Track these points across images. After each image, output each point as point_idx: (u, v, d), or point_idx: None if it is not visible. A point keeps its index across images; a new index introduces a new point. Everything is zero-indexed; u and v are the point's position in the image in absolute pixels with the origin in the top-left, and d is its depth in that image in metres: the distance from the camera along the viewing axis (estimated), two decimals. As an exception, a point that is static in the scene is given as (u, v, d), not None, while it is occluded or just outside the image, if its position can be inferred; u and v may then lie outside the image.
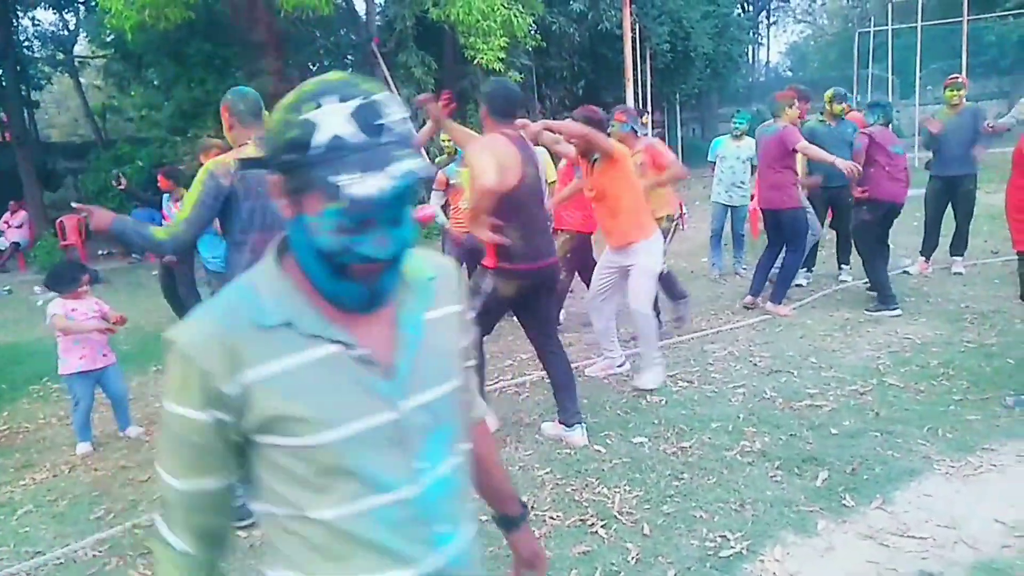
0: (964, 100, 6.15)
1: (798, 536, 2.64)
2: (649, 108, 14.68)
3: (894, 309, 5.37)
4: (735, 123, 6.85)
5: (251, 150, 2.90)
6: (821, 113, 6.40)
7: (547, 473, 3.27)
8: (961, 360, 4.25)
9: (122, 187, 7.39)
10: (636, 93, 13.28)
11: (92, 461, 3.91)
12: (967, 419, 3.47)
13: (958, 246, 6.42)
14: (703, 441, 3.47)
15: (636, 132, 5.02)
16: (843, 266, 6.52)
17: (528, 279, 3.42)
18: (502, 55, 10.87)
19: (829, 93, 6.24)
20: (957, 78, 6.21)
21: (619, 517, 2.85)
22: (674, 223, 5.35)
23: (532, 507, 2.97)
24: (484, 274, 3.46)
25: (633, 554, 2.59)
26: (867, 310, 5.48)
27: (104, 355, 4.10)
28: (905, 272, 6.48)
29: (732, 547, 2.59)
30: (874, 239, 5.59)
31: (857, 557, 2.48)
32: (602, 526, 2.79)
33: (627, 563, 2.55)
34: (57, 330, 3.97)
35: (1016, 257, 3.95)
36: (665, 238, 5.05)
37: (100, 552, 2.94)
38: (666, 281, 5.18)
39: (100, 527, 3.14)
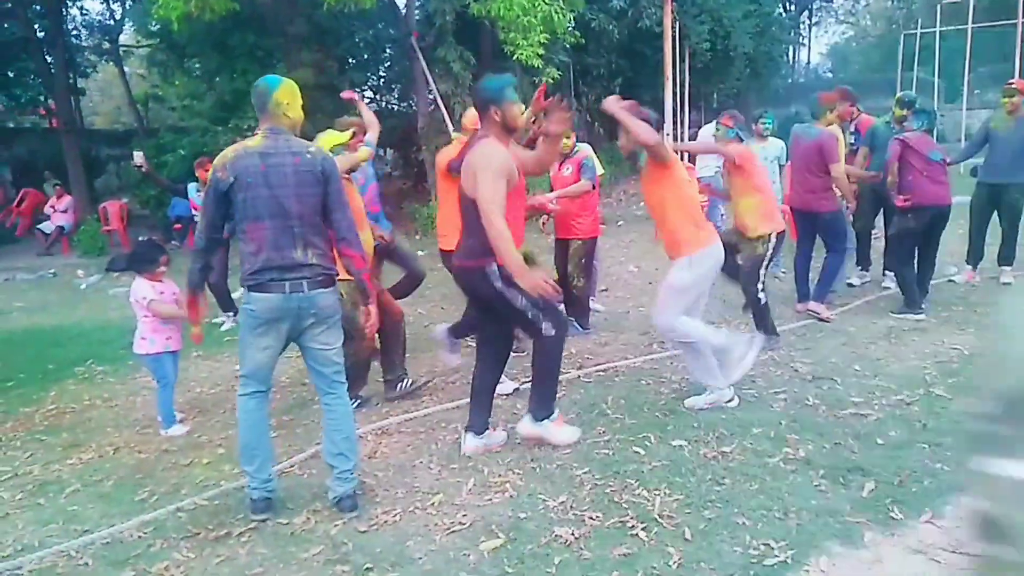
0: (1021, 107, 5.95)
1: (844, 547, 2.59)
2: (687, 107, 14.52)
3: (919, 314, 5.35)
4: (763, 124, 6.77)
5: (255, 142, 2.91)
6: (890, 114, 6.25)
7: (585, 473, 3.26)
8: (1012, 373, 4.13)
9: (143, 169, 7.45)
10: (675, 92, 13.12)
11: (136, 444, 3.98)
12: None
13: (1007, 256, 6.25)
14: (744, 447, 3.42)
15: (741, 139, 4.79)
16: (887, 272, 6.40)
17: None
18: (541, 51, 10.81)
19: (899, 96, 6.27)
20: (1012, 83, 6.04)
21: (660, 520, 2.82)
22: (770, 243, 4.68)
23: (571, 506, 2.95)
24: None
25: (675, 559, 2.56)
26: (891, 312, 5.43)
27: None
28: (951, 280, 6.34)
29: (776, 556, 2.55)
30: (912, 245, 5.51)
31: (907, 571, 2.43)
32: (643, 529, 2.77)
33: (669, 568, 2.52)
34: (151, 312, 4.03)
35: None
36: (762, 262, 4.69)
37: (145, 533, 2.99)
38: (759, 311, 4.85)
39: (145, 509, 3.20)
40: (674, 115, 13.00)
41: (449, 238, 4.10)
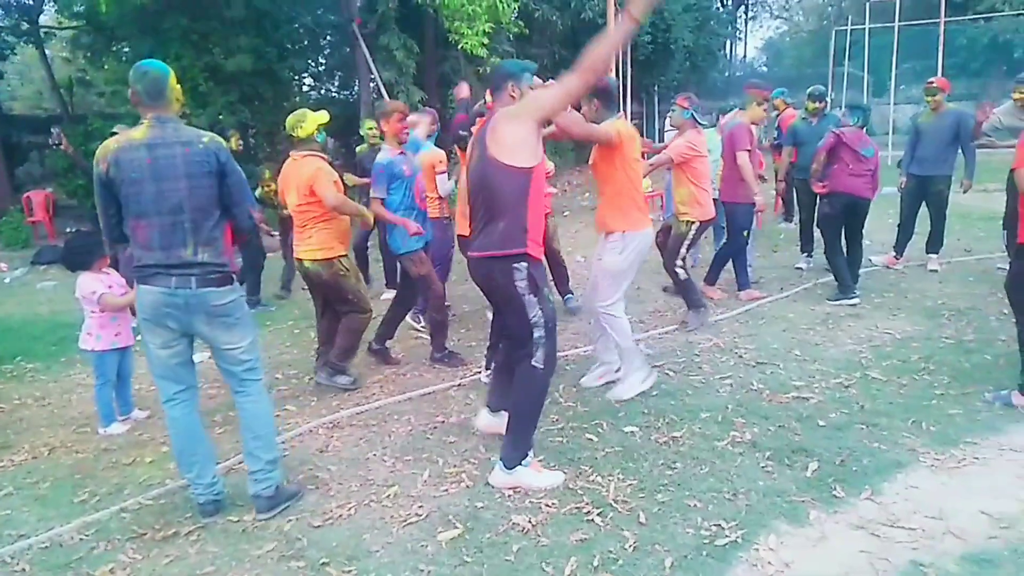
0: (943, 103, 6.30)
1: (791, 526, 2.68)
2: (628, 99, 14.69)
3: (852, 299, 5.62)
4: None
5: (140, 133, 2.70)
6: (805, 110, 6.74)
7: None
8: (941, 355, 4.35)
9: (63, 147, 7.05)
10: (617, 83, 13.27)
11: (73, 443, 3.81)
12: (949, 413, 3.56)
13: (934, 244, 6.59)
14: (693, 431, 3.50)
15: (697, 121, 5.02)
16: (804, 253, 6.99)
17: None
18: (485, 41, 10.78)
19: (809, 90, 6.64)
20: (933, 83, 6.34)
21: (614, 505, 2.87)
22: (693, 227, 5.15)
23: (527, 495, 2.97)
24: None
25: (630, 542, 2.61)
26: (828, 299, 5.67)
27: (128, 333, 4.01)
28: (870, 261, 6.63)
29: (727, 535, 2.62)
30: (835, 232, 5.77)
31: (850, 547, 2.53)
32: (598, 514, 2.81)
33: (625, 551, 2.57)
34: (102, 307, 3.83)
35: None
36: (682, 242, 5.16)
37: (86, 536, 2.87)
38: (682, 285, 5.26)
39: (85, 511, 3.07)
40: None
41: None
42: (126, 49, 12.58)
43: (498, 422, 3.36)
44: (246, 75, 11.14)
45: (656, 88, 20.19)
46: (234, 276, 2.90)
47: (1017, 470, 2.98)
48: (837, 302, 5.60)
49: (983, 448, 3.19)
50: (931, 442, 3.27)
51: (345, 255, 4.35)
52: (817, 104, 6.66)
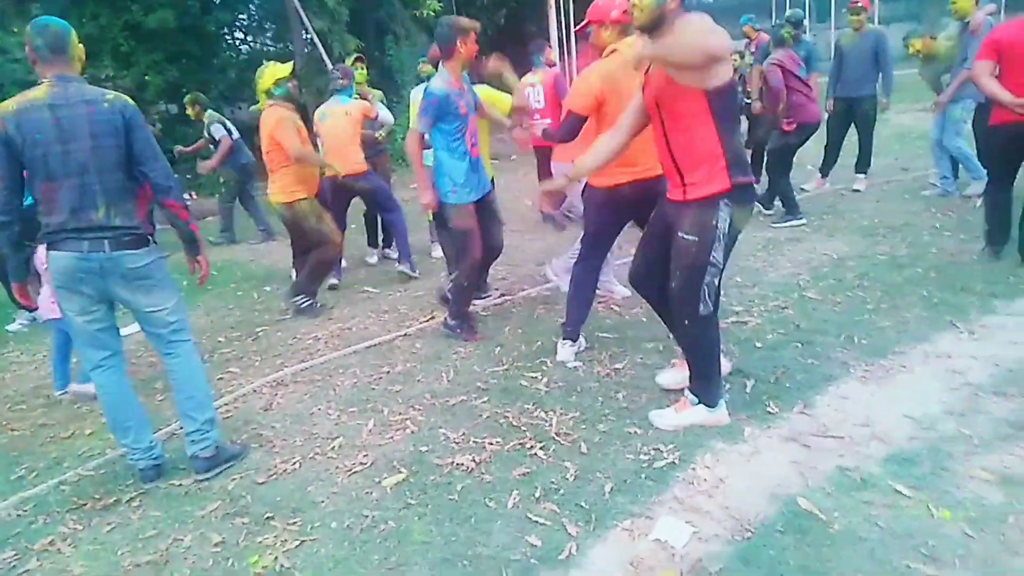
0: (866, 23, 6.35)
1: (726, 443, 2.76)
2: (572, 39, 14.45)
3: (800, 219, 5.74)
4: None
5: (41, 92, 2.58)
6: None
7: (485, 402, 3.30)
8: (875, 272, 4.46)
9: None
10: (559, 23, 13.04)
11: (8, 421, 3.72)
12: (880, 326, 3.66)
13: (862, 164, 6.71)
14: (635, 362, 3.56)
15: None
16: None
17: None
18: (421, -17, 10.45)
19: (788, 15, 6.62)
20: (858, 2, 6.33)
21: (557, 438, 2.91)
22: None
23: (471, 436, 3.00)
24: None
25: (572, 472, 2.66)
26: (773, 224, 5.77)
27: None
28: (802, 189, 6.74)
29: (665, 458, 2.69)
30: (790, 159, 5.90)
31: (781, 459, 2.62)
32: (541, 448, 2.85)
33: (566, 480, 2.62)
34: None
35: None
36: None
37: (25, 511, 2.82)
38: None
39: (23, 486, 3.01)
40: (560, 47, 12.93)
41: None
42: (38, 11, 11.88)
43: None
44: (170, 32, 10.64)
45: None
46: (151, 237, 2.80)
47: (940, 374, 3.10)
48: (786, 224, 5.71)
49: (910, 356, 3.30)
50: (862, 355, 3.37)
51: (306, 198, 4.76)
52: (797, 31, 6.49)
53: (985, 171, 4.67)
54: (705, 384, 2.88)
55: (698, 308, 2.71)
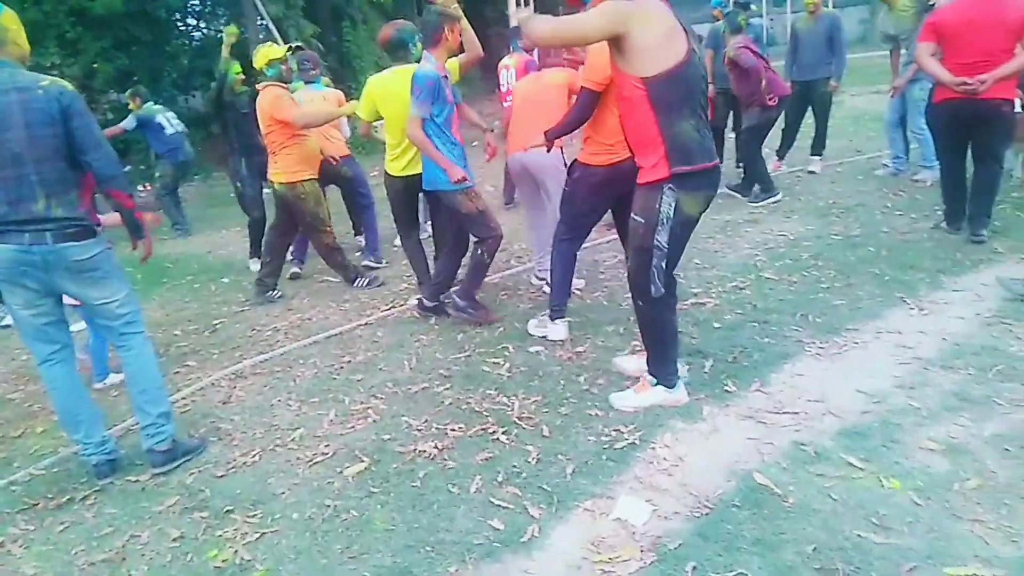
0: (821, 7, 6.44)
1: (686, 422, 2.80)
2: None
3: (777, 194, 5.93)
4: None
5: None
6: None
7: (447, 389, 3.30)
8: (829, 251, 4.55)
9: None
10: (519, 5, 12.93)
11: (-45, 422, 3.60)
12: (834, 304, 3.74)
13: (817, 146, 6.82)
14: (597, 345, 3.58)
15: None
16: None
17: None
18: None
19: None
20: None
21: (519, 422, 2.92)
22: None
23: (434, 423, 2.99)
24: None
25: (534, 455, 2.67)
26: (750, 202, 5.86)
27: None
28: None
29: (626, 439, 2.72)
30: (765, 136, 6.04)
31: (739, 436, 2.67)
32: (503, 432, 2.86)
33: (528, 464, 2.63)
34: None
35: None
36: None
37: (-26, 514, 2.74)
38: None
39: (-29, 489, 2.93)
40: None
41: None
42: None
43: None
44: (118, 18, 10.30)
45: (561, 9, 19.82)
46: (96, 228, 2.72)
47: (891, 350, 3.18)
48: (765, 201, 5.86)
49: (862, 333, 3.38)
50: (816, 332, 3.44)
51: (309, 179, 4.72)
52: (746, 13, 6.54)
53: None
54: (661, 364, 2.92)
55: (649, 289, 2.74)
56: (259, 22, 11.45)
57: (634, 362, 3.23)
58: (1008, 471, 2.28)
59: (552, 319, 3.71)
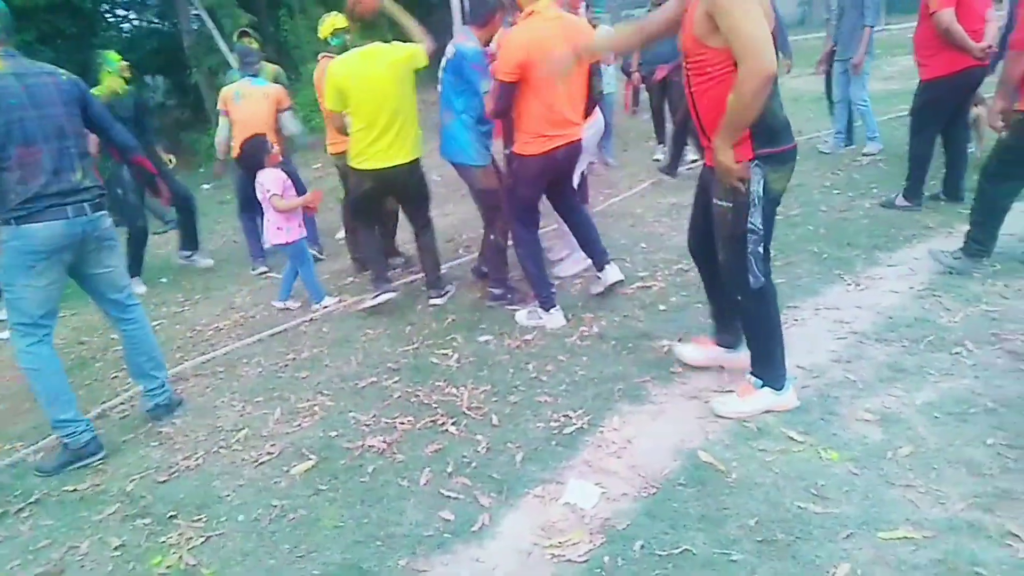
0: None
1: (633, 405, 2.83)
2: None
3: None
4: (593, 12, 6.87)
5: None
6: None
7: (396, 382, 3.27)
8: (769, 231, 4.64)
9: None
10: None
11: None
12: (775, 282, 3.79)
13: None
14: (544, 332, 3.59)
15: None
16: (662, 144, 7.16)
17: None
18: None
19: None
20: None
21: (468, 413, 2.91)
22: None
23: (382, 417, 2.97)
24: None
25: (483, 445, 2.67)
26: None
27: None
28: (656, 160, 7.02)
29: (575, 424, 2.73)
30: None
31: (685, 416, 2.71)
32: (452, 424, 2.85)
33: (478, 453, 2.63)
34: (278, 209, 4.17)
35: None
36: None
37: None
38: None
39: None
40: (463, 16, 12.74)
41: None
42: None
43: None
44: (40, 10, 9.87)
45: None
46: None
47: (829, 325, 3.27)
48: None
49: (802, 310, 3.47)
50: (758, 311, 3.51)
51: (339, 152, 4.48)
52: None
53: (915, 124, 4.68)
54: (768, 364, 2.63)
55: (747, 280, 2.49)
56: (192, 11, 11.12)
57: (699, 351, 3.01)
58: (937, 437, 2.37)
59: (546, 309, 3.69)
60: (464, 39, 3.77)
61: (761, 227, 2.43)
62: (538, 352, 3.39)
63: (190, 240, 5.68)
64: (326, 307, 4.29)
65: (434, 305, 4.11)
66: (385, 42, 3.77)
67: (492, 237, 4.01)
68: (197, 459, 2.85)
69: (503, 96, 3.35)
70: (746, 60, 2.20)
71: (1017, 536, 1.91)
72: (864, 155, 6.19)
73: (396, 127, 3.77)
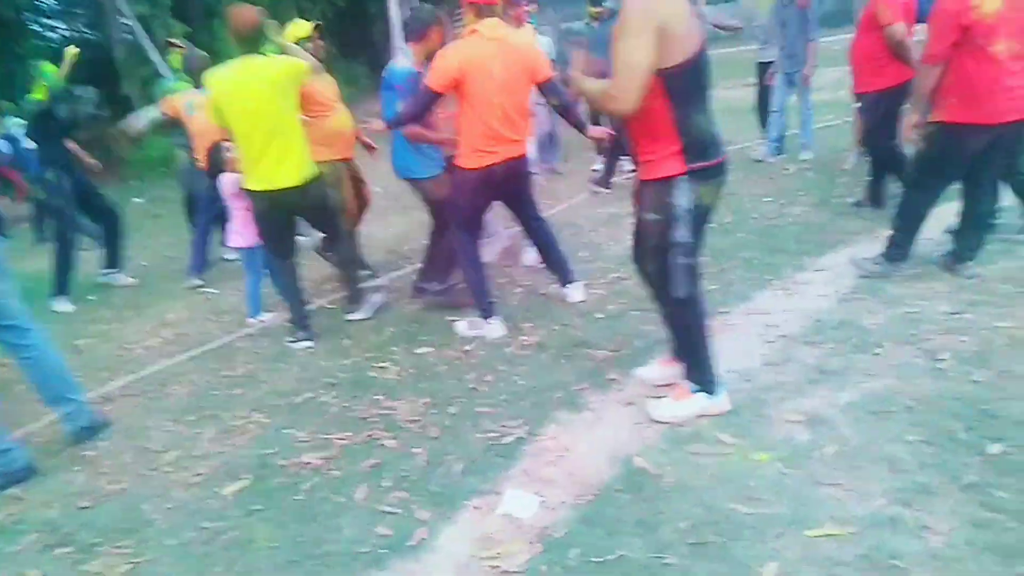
0: (606, 13, 6.70)
1: (571, 413, 2.85)
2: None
3: None
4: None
5: None
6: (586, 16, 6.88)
7: (334, 398, 3.22)
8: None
9: None
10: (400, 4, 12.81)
11: None
12: (708, 289, 3.86)
13: None
14: (484, 342, 3.59)
15: None
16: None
17: None
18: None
19: None
20: None
21: (407, 426, 2.89)
22: None
23: (319, 433, 2.91)
24: None
25: (422, 458, 2.65)
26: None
27: None
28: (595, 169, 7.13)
29: (513, 433, 2.74)
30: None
31: (621, 422, 2.74)
32: (390, 437, 2.82)
33: (416, 467, 2.61)
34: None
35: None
36: None
37: None
38: None
39: None
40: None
41: None
42: None
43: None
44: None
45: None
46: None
47: (759, 329, 3.37)
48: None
49: (734, 315, 3.56)
50: (693, 317, 3.59)
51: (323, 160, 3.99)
52: (598, 9, 6.54)
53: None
54: (699, 370, 2.69)
55: (674, 291, 2.57)
56: (122, 20, 10.80)
57: (657, 371, 3.00)
58: (860, 436, 2.46)
59: (486, 318, 3.68)
60: (400, 58, 3.82)
61: (688, 240, 2.49)
62: (478, 362, 3.39)
63: (113, 257, 5.48)
64: (262, 322, 4.20)
65: (351, 321, 4.02)
66: (263, 55, 3.56)
67: (440, 245, 3.99)
68: (124, 483, 2.74)
69: (420, 104, 3.39)
70: (615, 81, 2.32)
71: (933, 529, 2.00)
72: (801, 160, 6.44)
73: (276, 146, 3.52)
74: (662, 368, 3.00)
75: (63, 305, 4.99)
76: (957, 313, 3.27)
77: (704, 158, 2.44)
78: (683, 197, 2.44)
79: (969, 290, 3.50)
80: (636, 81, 2.26)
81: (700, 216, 2.51)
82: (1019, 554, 1.88)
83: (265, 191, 3.60)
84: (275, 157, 3.54)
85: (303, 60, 3.75)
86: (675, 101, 2.36)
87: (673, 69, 2.29)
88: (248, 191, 3.69)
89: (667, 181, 2.44)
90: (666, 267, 2.55)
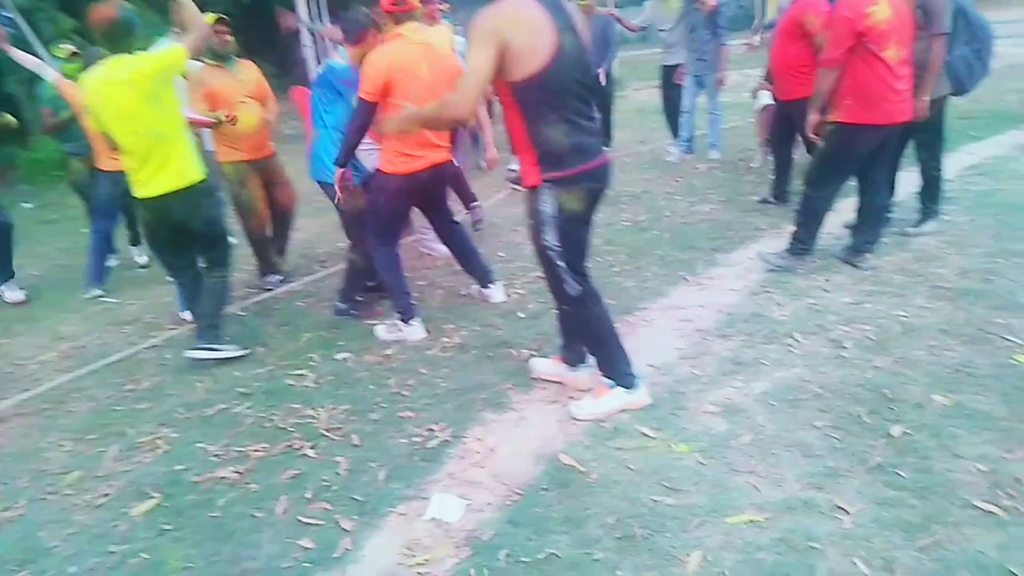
0: (595, 7, 6.89)
1: (495, 414, 2.84)
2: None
3: None
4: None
5: None
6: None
7: (248, 408, 3.10)
8: (619, 237, 4.86)
9: None
10: (308, 3, 12.48)
11: None
12: (625, 286, 3.99)
13: (604, 139, 7.30)
14: (405, 346, 3.54)
15: None
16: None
17: None
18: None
19: None
20: None
21: (327, 434, 2.81)
22: None
23: (233, 446, 2.79)
24: None
25: (343, 466, 2.58)
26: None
27: None
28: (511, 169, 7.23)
29: (438, 436, 2.71)
30: None
31: (546, 421, 2.75)
32: (311, 447, 2.73)
33: (338, 476, 2.53)
34: None
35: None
36: None
37: None
38: None
39: None
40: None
41: None
42: None
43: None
44: None
45: None
46: None
47: (675, 324, 3.46)
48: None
49: (651, 312, 3.64)
50: (613, 313, 3.63)
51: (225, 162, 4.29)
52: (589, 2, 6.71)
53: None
54: (611, 364, 2.75)
55: (563, 289, 2.64)
56: (3, 14, 10.05)
57: (548, 365, 3.06)
58: (774, 424, 2.56)
59: (406, 321, 3.61)
60: (336, 57, 3.75)
61: (558, 244, 2.55)
62: (399, 366, 3.33)
63: (2, 269, 5.06)
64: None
65: (194, 360, 3.51)
66: (129, 52, 3.18)
67: (354, 256, 3.87)
68: (19, 508, 2.54)
69: (362, 114, 3.34)
70: (458, 89, 2.40)
71: (844, 509, 2.10)
72: (709, 160, 6.67)
73: (159, 150, 3.21)
74: (553, 364, 3.05)
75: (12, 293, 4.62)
76: (857, 303, 3.46)
77: (560, 168, 2.45)
78: (546, 204, 2.50)
79: (868, 281, 3.71)
80: (472, 89, 2.34)
81: (569, 221, 2.53)
82: (921, 529, 2.00)
83: (148, 198, 3.28)
84: (157, 161, 3.23)
85: (178, 45, 3.30)
86: (527, 114, 2.42)
87: (521, 83, 2.35)
88: (135, 199, 3.34)
89: (532, 189, 2.53)
90: (551, 267, 2.62)
